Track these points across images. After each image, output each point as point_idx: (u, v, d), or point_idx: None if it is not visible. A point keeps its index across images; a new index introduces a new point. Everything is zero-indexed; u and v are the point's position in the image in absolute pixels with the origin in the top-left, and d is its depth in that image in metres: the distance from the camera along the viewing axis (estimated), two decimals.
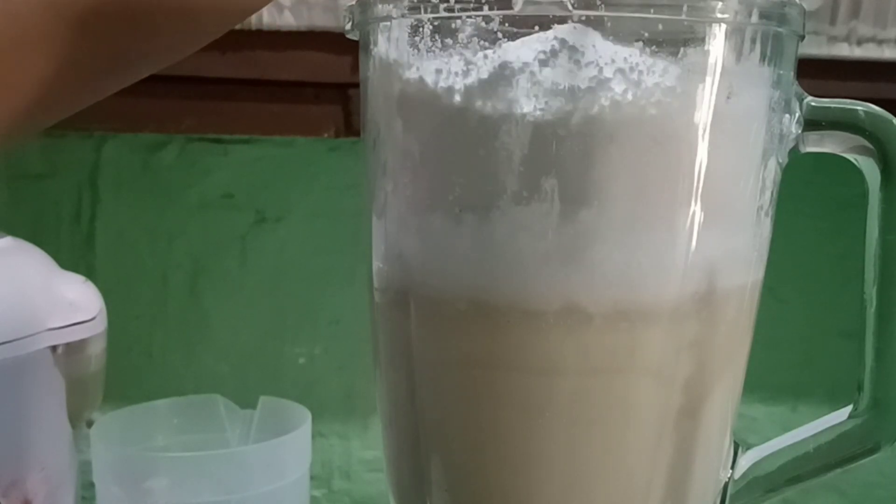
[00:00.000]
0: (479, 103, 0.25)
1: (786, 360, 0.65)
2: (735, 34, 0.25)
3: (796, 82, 0.27)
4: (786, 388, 0.66)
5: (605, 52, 0.24)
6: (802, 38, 0.27)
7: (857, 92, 0.28)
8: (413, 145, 0.27)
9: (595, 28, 0.24)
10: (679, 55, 0.25)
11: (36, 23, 0.24)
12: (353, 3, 0.28)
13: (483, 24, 0.25)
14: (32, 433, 0.41)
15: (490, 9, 0.24)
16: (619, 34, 0.24)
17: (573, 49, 0.24)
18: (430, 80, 0.25)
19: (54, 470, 0.43)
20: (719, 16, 0.25)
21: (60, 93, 0.25)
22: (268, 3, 0.28)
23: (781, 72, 0.27)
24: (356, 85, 0.29)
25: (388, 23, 0.26)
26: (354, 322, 0.62)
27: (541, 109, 0.24)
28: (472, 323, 0.26)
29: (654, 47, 0.24)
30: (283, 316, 0.62)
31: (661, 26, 0.24)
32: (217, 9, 0.27)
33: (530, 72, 0.24)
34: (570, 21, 0.24)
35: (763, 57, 0.26)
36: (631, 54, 0.24)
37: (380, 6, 0.26)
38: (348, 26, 0.28)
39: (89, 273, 0.47)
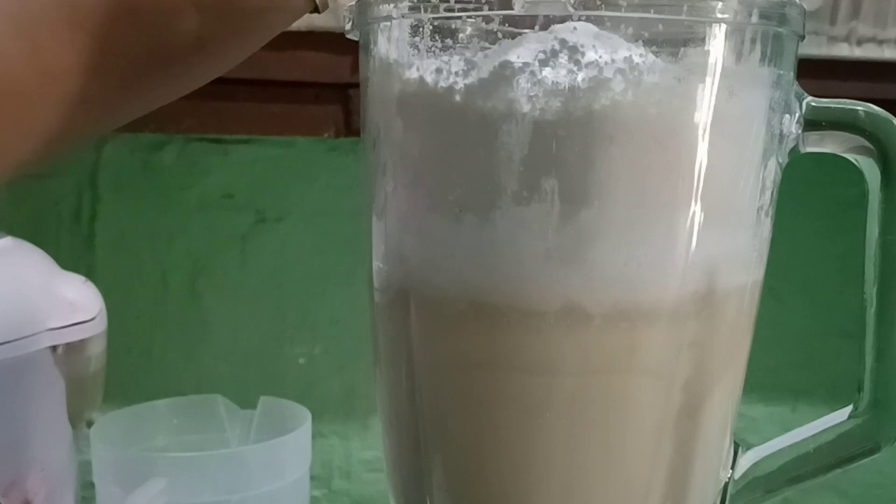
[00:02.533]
0: (479, 103, 0.25)
1: (786, 360, 0.65)
2: (735, 34, 0.25)
3: (796, 82, 0.27)
4: (786, 388, 0.66)
5: (605, 52, 0.24)
6: (802, 38, 0.27)
7: (857, 92, 0.28)
8: (413, 145, 0.27)
9: (595, 28, 0.24)
10: (679, 55, 0.25)
11: (55, 50, 0.24)
12: (353, 3, 0.28)
13: (483, 24, 0.25)
14: (32, 433, 0.41)
15: (490, 9, 0.24)
16: (620, 34, 0.24)
17: (573, 49, 0.24)
18: (430, 80, 0.25)
19: (54, 470, 0.43)
20: (719, 16, 0.25)
21: (77, 123, 0.25)
22: (274, 34, 0.27)
23: (781, 72, 0.27)
24: (356, 85, 0.29)
25: (388, 23, 0.26)
26: (354, 322, 0.62)
27: (541, 109, 0.24)
28: (473, 323, 0.26)
29: (654, 47, 0.24)
30: (283, 316, 0.62)
31: (661, 26, 0.24)
32: (231, 42, 0.27)
33: (530, 72, 0.24)
34: (570, 21, 0.24)
35: (763, 57, 0.26)
36: (631, 54, 0.24)
37: (380, 6, 0.26)
38: (348, 26, 0.28)
39: (89, 273, 0.47)
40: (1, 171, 0.24)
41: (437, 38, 0.25)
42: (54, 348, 0.42)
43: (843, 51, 0.54)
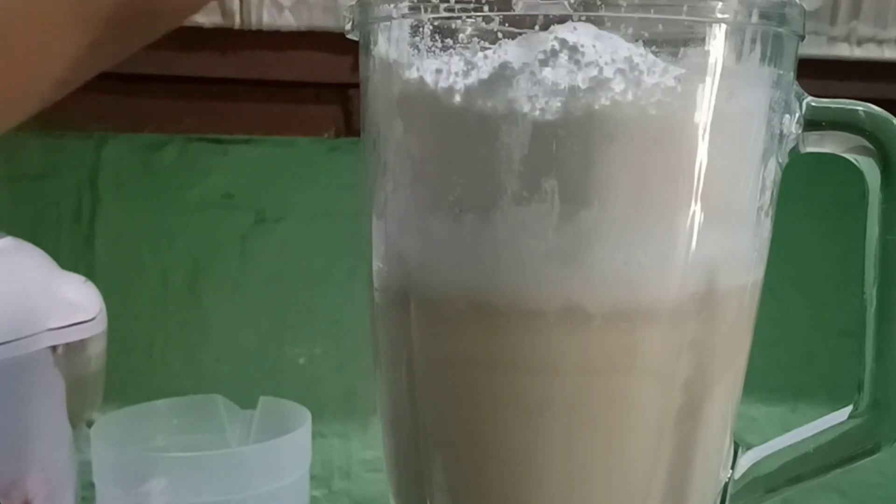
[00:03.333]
0: (479, 103, 0.25)
1: (786, 360, 0.65)
2: (735, 34, 0.25)
3: (796, 82, 0.27)
4: (786, 388, 0.66)
5: (605, 52, 0.24)
6: (802, 38, 0.27)
7: (857, 92, 0.28)
8: (413, 145, 0.27)
9: (595, 28, 0.24)
10: (679, 55, 0.25)
11: (53, 15, 0.25)
12: (353, 3, 0.28)
13: (483, 24, 0.25)
14: (32, 433, 0.41)
15: (490, 9, 0.24)
16: (620, 34, 0.24)
17: (573, 49, 0.24)
18: (430, 80, 0.25)
19: (54, 470, 0.43)
20: (719, 16, 0.25)
21: (93, 48, 0.26)
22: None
23: (781, 72, 0.27)
24: (356, 85, 0.29)
25: (388, 23, 0.26)
26: (354, 322, 0.62)
27: (541, 109, 0.24)
28: (472, 323, 0.26)
29: (654, 47, 0.24)
30: (283, 316, 0.62)
31: (661, 26, 0.24)
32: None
33: (530, 72, 0.24)
34: (570, 21, 0.24)
35: (763, 57, 0.26)
36: (631, 54, 0.24)
37: (380, 6, 0.26)
38: (348, 26, 0.28)
39: (89, 273, 0.47)
40: (38, 93, 0.26)
41: (437, 38, 0.25)
42: (54, 348, 0.42)
43: (843, 51, 0.54)
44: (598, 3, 0.24)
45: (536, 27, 0.24)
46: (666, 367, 0.26)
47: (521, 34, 0.25)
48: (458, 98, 0.25)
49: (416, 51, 0.26)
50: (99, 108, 0.52)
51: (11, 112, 0.26)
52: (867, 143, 0.27)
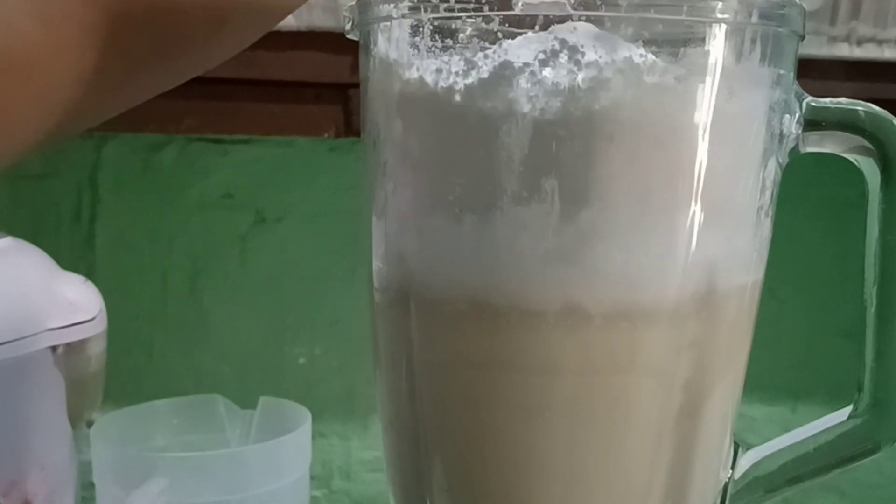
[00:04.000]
0: (479, 103, 0.25)
1: (786, 360, 0.65)
2: (735, 34, 0.25)
3: (796, 82, 0.27)
4: (786, 388, 0.66)
5: (605, 52, 0.24)
6: (802, 38, 0.27)
7: (857, 92, 0.28)
8: (413, 145, 0.27)
9: (595, 28, 0.24)
10: (679, 55, 0.25)
11: (71, 30, 0.23)
12: (353, 3, 0.28)
13: (483, 24, 0.25)
14: (32, 433, 0.41)
15: (490, 9, 0.24)
16: (620, 34, 0.24)
17: (573, 49, 0.24)
18: (430, 80, 0.25)
19: (54, 470, 0.43)
20: (719, 16, 0.25)
21: (92, 100, 0.25)
22: (293, 10, 0.27)
23: (781, 72, 0.27)
24: (356, 85, 0.29)
25: (388, 23, 0.26)
26: (354, 322, 0.62)
27: (541, 109, 0.24)
28: (473, 323, 0.26)
29: (654, 47, 0.24)
30: (283, 316, 0.62)
31: (661, 26, 0.24)
32: (244, 17, 0.26)
33: (530, 72, 0.24)
34: (570, 21, 0.24)
35: (763, 57, 0.26)
36: (631, 54, 0.24)
37: (380, 6, 0.26)
38: (348, 26, 0.28)
39: (89, 273, 0.47)
40: (17, 146, 0.24)
41: (437, 38, 0.25)
42: (54, 348, 0.42)
43: (843, 51, 0.54)
44: (598, 3, 0.24)
45: (536, 27, 0.24)
46: (666, 366, 0.26)
47: (521, 34, 0.25)
48: (458, 98, 0.25)
49: (416, 51, 0.26)
50: None
51: (11, 142, 0.24)
52: (867, 143, 0.27)
